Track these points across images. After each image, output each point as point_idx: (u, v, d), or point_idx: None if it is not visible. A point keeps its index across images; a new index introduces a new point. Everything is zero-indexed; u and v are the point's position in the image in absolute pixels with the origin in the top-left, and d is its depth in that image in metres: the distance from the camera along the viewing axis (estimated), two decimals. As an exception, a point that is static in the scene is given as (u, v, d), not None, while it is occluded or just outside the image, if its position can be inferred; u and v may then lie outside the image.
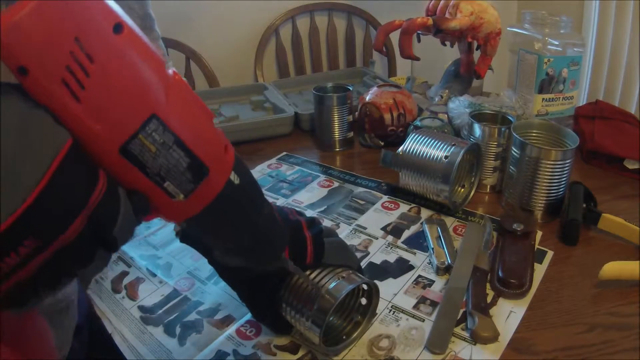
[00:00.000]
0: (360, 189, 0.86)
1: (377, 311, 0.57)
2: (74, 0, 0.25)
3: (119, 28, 0.26)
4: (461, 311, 0.58)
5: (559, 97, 1.00)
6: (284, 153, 1.01)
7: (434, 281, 0.63)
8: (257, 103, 1.18)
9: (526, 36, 1.00)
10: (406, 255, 0.69)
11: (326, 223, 0.77)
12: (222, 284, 0.64)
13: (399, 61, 1.90)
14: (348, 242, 0.56)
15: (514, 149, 0.74)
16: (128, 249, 0.72)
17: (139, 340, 0.57)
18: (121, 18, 0.27)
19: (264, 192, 0.52)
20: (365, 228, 0.75)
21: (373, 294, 0.55)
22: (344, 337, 0.55)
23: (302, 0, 1.87)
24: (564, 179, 0.72)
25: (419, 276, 0.65)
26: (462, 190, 0.81)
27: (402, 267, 0.66)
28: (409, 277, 0.65)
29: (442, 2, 0.98)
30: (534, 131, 0.78)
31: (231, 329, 0.58)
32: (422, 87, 1.21)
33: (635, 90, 1.94)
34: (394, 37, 1.04)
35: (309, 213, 0.79)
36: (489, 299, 0.60)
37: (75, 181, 0.26)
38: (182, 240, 0.52)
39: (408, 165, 0.78)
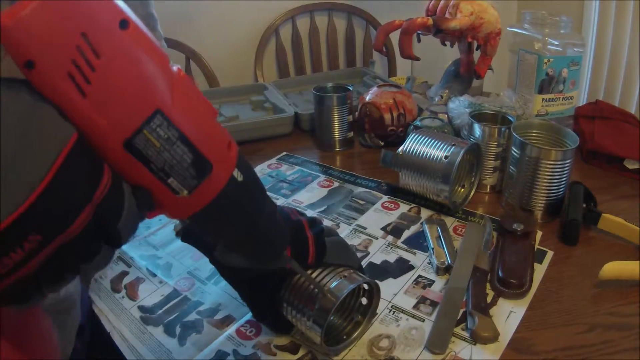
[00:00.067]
0: (360, 189, 0.86)
1: (377, 311, 0.57)
2: None
3: (125, 24, 0.27)
4: (461, 311, 0.58)
5: (559, 97, 1.00)
6: (284, 153, 1.01)
7: (434, 281, 0.63)
8: (257, 103, 1.18)
9: (526, 36, 1.00)
10: (406, 255, 0.69)
11: (326, 223, 0.77)
12: (222, 284, 0.64)
13: (399, 61, 1.91)
14: (348, 242, 0.56)
15: (514, 149, 0.74)
16: (128, 248, 0.72)
17: (139, 340, 0.57)
18: (127, 14, 0.27)
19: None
20: (365, 228, 0.75)
21: (374, 294, 0.55)
22: (345, 337, 0.55)
23: (302, 0, 1.87)
24: (564, 179, 0.72)
25: (419, 276, 0.65)
26: (462, 190, 0.82)
27: (402, 267, 0.66)
28: (409, 277, 0.65)
29: (442, 2, 0.98)
30: (534, 131, 0.78)
31: (231, 329, 0.58)
32: (422, 87, 1.21)
33: (635, 90, 1.94)
34: (394, 37, 1.04)
35: (309, 213, 0.79)
36: (489, 299, 0.60)
37: (81, 175, 0.26)
38: (183, 240, 0.52)
39: (408, 165, 0.78)
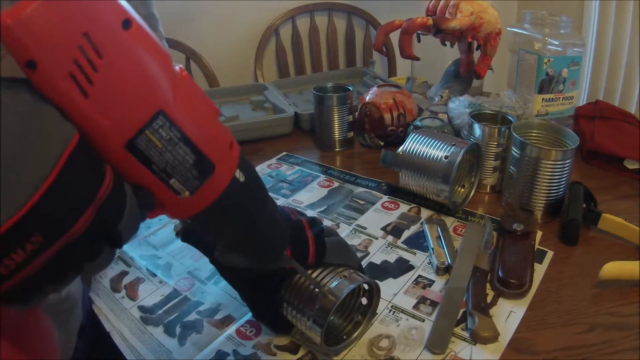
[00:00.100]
0: (360, 189, 0.86)
1: (377, 311, 0.57)
2: None
3: (128, 24, 0.27)
4: (461, 311, 0.58)
5: (559, 97, 1.00)
6: (284, 153, 1.01)
7: (434, 281, 0.63)
8: (257, 103, 1.18)
9: (526, 36, 1.00)
10: (406, 255, 0.69)
11: (326, 223, 0.77)
12: (222, 284, 0.64)
13: (399, 61, 1.91)
14: (348, 242, 0.56)
15: (514, 149, 0.74)
16: (128, 248, 0.72)
17: (139, 340, 0.57)
18: (129, 14, 0.27)
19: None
20: (365, 228, 0.75)
21: (374, 294, 0.55)
22: (345, 337, 0.55)
23: (302, 0, 1.87)
24: (564, 179, 0.72)
25: (419, 276, 0.65)
26: (462, 190, 0.81)
27: (402, 267, 0.66)
28: (409, 277, 0.65)
29: (442, 2, 0.98)
30: (534, 131, 0.78)
31: (231, 329, 0.58)
32: (422, 87, 1.21)
33: (635, 90, 1.94)
34: (394, 37, 1.04)
35: (309, 213, 0.79)
36: (489, 299, 0.60)
37: (83, 176, 0.26)
38: (183, 240, 0.52)
39: (408, 165, 0.78)
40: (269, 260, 0.44)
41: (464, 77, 1.09)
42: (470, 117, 0.82)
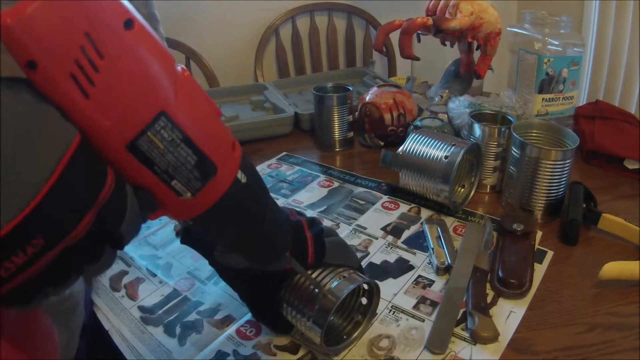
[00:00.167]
0: (360, 189, 0.86)
1: (377, 311, 0.57)
2: None
3: (130, 24, 0.26)
4: (461, 311, 0.58)
5: (559, 97, 1.00)
6: (284, 153, 1.01)
7: (434, 281, 0.63)
8: (257, 103, 1.18)
9: (526, 36, 1.00)
10: (406, 255, 0.69)
11: (326, 223, 0.77)
12: (222, 284, 0.64)
13: (399, 61, 1.91)
14: (348, 242, 0.56)
15: (514, 149, 0.74)
16: (128, 248, 0.72)
17: (139, 340, 0.57)
18: (132, 14, 0.27)
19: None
20: (365, 228, 0.75)
21: (374, 294, 0.55)
22: (345, 337, 0.55)
23: (302, 0, 1.87)
24: (564, 179, 0.72)
25: (419, 276, 0.65)
26: (462, 190, 0.81)
27: (402, 267, 0.66)
28: (409, 277, 0.65)
29: (442, 2, 0.98)
30: (534, 131, 0.78)
31: (231, 329, 0.58)
32: (422, 87, 1.21)
33: (635, 90, 1.94)
34: (394, 37, 1.04)
35: (309, 213, 0.79)
36: (489, 299, 0.60)
37: (85, 177, 0.26)
38: (182, 242, 0.52)
39: (408, 165, 0.78)
40: (269, 260, 0.44)
41: (464, 77, 1.09)
42: (470, 117, 0.82)
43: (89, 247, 0.27)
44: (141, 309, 0.62)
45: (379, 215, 0.78)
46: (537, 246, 0.69)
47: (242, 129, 1.04)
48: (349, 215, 0.79)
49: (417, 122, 0.93)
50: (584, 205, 0.71)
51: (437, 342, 0.53)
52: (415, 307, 0.59)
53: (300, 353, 0.54)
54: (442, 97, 1.06)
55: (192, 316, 0.60)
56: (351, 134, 1.01)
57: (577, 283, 0.62)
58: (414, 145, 0.77)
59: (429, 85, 1.21)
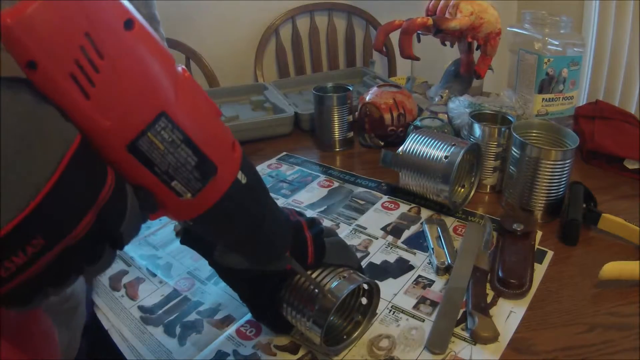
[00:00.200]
0: (360, 189, 0.86)
1: (377, 311, 0.57)
2: None
3: (130, 24, 0.26)
4: (461, 311, 0.58)
5: (559, 97, 1.00)
6: (284, 153, 1.01)
7: (434, 281, 0.63)
8: (257, 103, 1.18)
9: (526, 36, 1.00)
10: (406, 255, 0.69)
11: (326, 223, 0.77)
12: (222, 284, 0.64)
13: (399, 61, 1.91)
14: (348, 242, 0.56)
15: (514, 149, 0.74)
16: (128, 248, 0.72)
17: (139, 340, 0.57)
18: (132, 14, 0.27)
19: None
20: (365, 228, 0.75)
21: (374, 294, 0.55)
22: (345, 337, 0.55)
23: (302, 0, 1.87)
24: (564, 179, 0.72)
25: (419, 276, 0.65)
26: (462, 190, 0.81)
27: (402, 267, 0.66)
28: (409, 277, 0.65)
29: (442, 2, 0.98)
30: (534, 131, 0.78)
31: (231, 329, 0.58)
32: (422, 87, 1.21)
33: (635, 90, 1.94)
34: (394, 37, 1.04)
35: (309, 213, 0.79)
36: (489, 299, 0.60)
37: (85, 177, 0.26)
38: (182, 242, 0.52)
39: (408, 165, 0.78)
40: (269, 260, 0.44)
41: (464, 77, 1.09)
42: (470, 117, 0.82)
43: (89, 247, 0.27)
44: (141, 308, 0.62)
45: (379, 215, 0.78)
46: (537, 246, 0.69)
47: (242, 129, 1.04)
48: (349, 215, 0.79)
49: (417, 122, 0.93)
50: (584, 205, 0.71)
51: (437, 342, 0.54)
52: (415, 307, 0.59)
53: (300, 353, 0.54)
54: (442, 97, 1.06)
55: (192, 316, 0.60)
56: (351, 134, 1.01)
57: (577, 283, 0.62)
58: (414, 145, 0.77)
59: (429, 85, 1.21)
